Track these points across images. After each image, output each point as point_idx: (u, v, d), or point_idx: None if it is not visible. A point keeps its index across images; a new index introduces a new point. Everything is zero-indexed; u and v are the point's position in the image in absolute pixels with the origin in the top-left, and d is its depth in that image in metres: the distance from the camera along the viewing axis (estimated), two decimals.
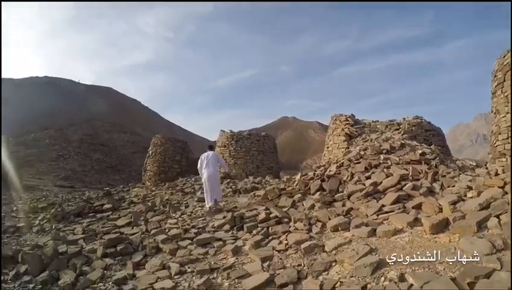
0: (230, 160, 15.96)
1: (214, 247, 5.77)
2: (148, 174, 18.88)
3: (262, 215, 6.76)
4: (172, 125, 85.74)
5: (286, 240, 5.62)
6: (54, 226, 9.11)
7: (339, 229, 5.95)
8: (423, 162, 8.32)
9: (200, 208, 8.66)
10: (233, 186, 11.34)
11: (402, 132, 12.49)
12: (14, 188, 22.70)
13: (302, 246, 5.18)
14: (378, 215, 6.15)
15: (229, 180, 12.96)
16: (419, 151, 9.02)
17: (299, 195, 7.91)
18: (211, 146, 10.19)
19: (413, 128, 13.09)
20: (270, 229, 6.22)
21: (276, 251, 5.28)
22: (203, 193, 9.39)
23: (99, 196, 14.55)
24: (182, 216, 8.19)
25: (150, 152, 19.37)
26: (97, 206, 11.18)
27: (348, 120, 13.11)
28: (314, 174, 9.15)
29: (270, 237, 5.89)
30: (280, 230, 6.04)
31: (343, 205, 6.95)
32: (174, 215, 8.43)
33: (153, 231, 7.01)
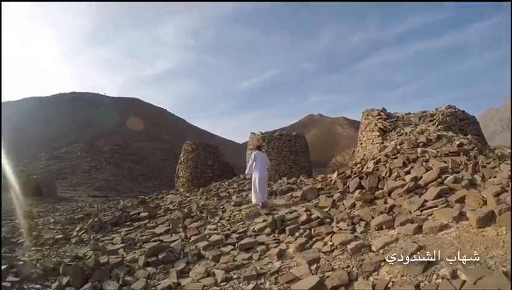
0: None
1: (258, 251, 5.67)
2: (181, 180, 18.99)
3: (303, 217, 6.62)
4: (199, 130, 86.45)
5: (331, 241, 5.47)
6: (92, 237, 9.20)
7: (383, 227, 5.76)
8: (462, 153, 8.00)
9: (238, 212, 8.56)
10: (268, 189, 11.20)
11: (436, 123, 12.09)
12: (49, 200, 23.18)
13: (349, 246, 5.03)
14: (421, 211, 5.93)
15: None
16: (457, 142, 8.69)
17: (338, 194, 7.73)
18: (260, 146, 10.85)
19: (448, 118, 12.64)
20: (313, 230, 6.09)
21: (322, 252, 5.13)
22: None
23: (134, 205, 14.58)
24: (221, 221, 8.11)
25: (182, 158, 19.47)
26: (133, 214, 11.25)
27: (380, 114, 12.80)
28: (352, 171, 8.94)
29: (314, 239, 5.76)
30: (323, 231, 5.89)
31: (385, 202, 6.73)
32: (212, 220, 8.37)
33: (193, 238, 6.97)
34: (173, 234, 8.05)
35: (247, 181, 14.54)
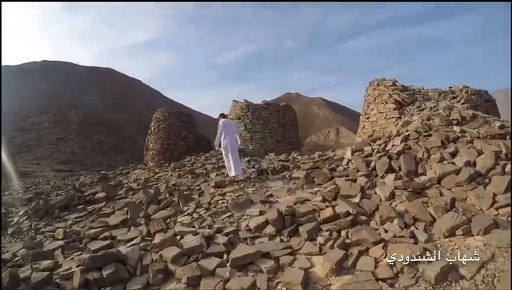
0: (246, 134, 13.46)
1: (263, 271, 3.46)
2: (150, 153, 16.52)
3: (326, 212, 4.41)
4: (176, 104, 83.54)
5: (385, 255, 3.31)
6: (33, 225, 7.27)
7: (457, 233, 3.68)
8: (507, 136, 6.08)
9: (220, 198, 6.29)
10: (256, 166, 8.97)
11: (462, 101, 10.09)
12: (5, 177, 20.70)
13: (423, 269, 2.87)
14: (497, 209, 4.09)
15: (248, 158, 10.56)
16: (497, 124, 6.74)
17: (363, 178, 5.57)
18: (224, 114, 9.31)
19: (473, 97, 10.67)
20: (346, 234, 3.92)
21: (381, 280, 2.96)
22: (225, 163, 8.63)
23: (93, 182, 12.32)
24: (198, 210, 5.85)
25: (152, 128, 16.93)
26: (88, 195, 9.04)
27: (395, 85, 10.66)
28: (373, 149, 6.81)
29: (353, 250, 3.56)
30: (367, 238, 3.70)
31: (441, 194, 4.64)
32: (186, 208, 6.12)
33: (158, 237, 4.73)
34: (131, 228, 5.79)
35: None
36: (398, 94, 10.14)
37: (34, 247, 5.54)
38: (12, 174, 20.97)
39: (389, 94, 10.37)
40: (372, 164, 6.07)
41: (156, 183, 9.09)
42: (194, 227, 4.95)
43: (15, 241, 6.41)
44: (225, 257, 3.79)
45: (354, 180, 5.60)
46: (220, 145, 8.61)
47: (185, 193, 7.09)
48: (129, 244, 5.01)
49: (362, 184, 5.29)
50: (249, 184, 7.12)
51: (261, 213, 4.95)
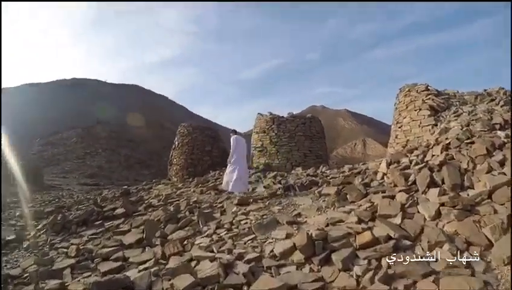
0: (272, 148, 12.92)
1: None
2: (174, 168, 16.17)
3: (364, 237, 3.82)
4: (200, 119, 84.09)
5: None
6: (49, 240, 7.02)
7: None
8: None
9: (243, 217, 5.76)
10: (282, 181, 8.42)
11: (502, 103, 9.28)
12: (25, 190, 20.82)
13: None
14: None
15: (274, 173, 10.03)
16: None
17: (403, 194, 4.94)
18: (235, 131, 9.20)
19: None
20: (388, 264, 3.30)
21: None
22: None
23: (115, 197, 12.07)
24: (218, 231, 5.33)
25: (176, 143, 16.61)
26: (108, 211, 8.71)
27: (428, 89, 9.95)
28: (410, 161, 6.16)
29: (398, 284, 2.97)
30: (414, 269, 3.09)
31: (495, 211, 3.98)
32: (205, 228, 5.62)
33: (172, 261, 4.24)
34: (146, 249, 5.34)
35: (253, 171, 11.81)
36: (433, 99, 9.42)
37: (44, 264, 5.32)
38: (37, 187, 21.13)
39: (422, 100, 9.66)
40: (412, 178, 5.43)
41: (177, 200, 8.67)
42: (212, 251, 4.44)
43: (28, 255, 6.21)
44: (245, 289, 3.25)
45: (393, 197, 4.98)
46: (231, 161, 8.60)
47: (206, 211, 6.62)
48: (141, 267, 4.60)
49: (402, 201, 4.66)
50: (274, 202, 6.58)
51: (288, 236, 4.39)
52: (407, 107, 10.25)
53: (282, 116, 13.49)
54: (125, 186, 17.11)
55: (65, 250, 6.07)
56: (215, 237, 5.06)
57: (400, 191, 5.09)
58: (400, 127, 10.29)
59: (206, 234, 5.29)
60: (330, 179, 8.02)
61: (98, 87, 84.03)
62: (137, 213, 8.09)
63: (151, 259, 4.75)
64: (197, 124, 18.02)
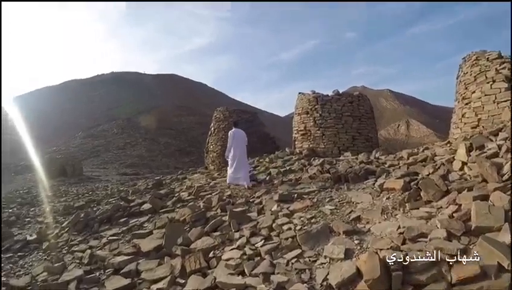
0: (316, 131, 11.49)
1: None
2: (211, 155, 15.18)
3: (467, 269, 2.44)
4: (241, 104, 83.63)
5: None
6: (69, 240, 6.50)
7: None
8: None
9: (286, 219, 4.50)
10: (331, 169, 7.08)
11: None
12: (71, 180, 20.69)
13: None
14: None
15: (321, 160, 8.66)
16: None
17: (501, 194, 3.51)
18: (236, 122, 9.42)
19: None
20: None
21: None
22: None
23: (147, 188, 11.22)
24: (253, 240, 4.12)
25: (212, 129, 15.58)
26: (135, 206, 7.77)
27: (502, 57, 8.22)
28: (499, 146, 4.71)
29: None
30: None
31: None
32: (237, 235, 4.43)
33: (191, 282, 3.11)
34: (165, 259, 4.27)
35: (296, 157, 10.53)
36: (509, 68, 7.72)
37: (54, 272, 4.85)
38: (76, 179, 20.92)
39: (496, 69, 7.96)
40: (506, 169, 4.00)
41: (210, 193, 7.55)
42: (243, 273, 3.25)
43: (45, 259, 5.77)
44: None
45: (485, 197, 3.58)
46: (229, 156, 8.56)
47: (240, 209, 5.43)
48: (154, 287, 3.51)
49: (505, 206, 3.25)
50: (324, 197, 5.28)
51: (348, 255, 3.11)
52: (475, 80, 8.57)
53: (327, 95, 11.98)
54: (161, 176, 16.42)
55: (80, 254, 5.45)
56: (248, 249, 3.85)
57: (495, 189, 3.67)
58: (467, 104, 8.65)
59: (237, 244, 4.09)
60: (388, 167, 6.64)
61: (136, 79, 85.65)
62: (164, 209, 7.09)
63: (166, 276, 3.70)
64: (233, 108, 16.86)
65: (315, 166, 7.81)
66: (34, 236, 7.00)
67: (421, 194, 4.31)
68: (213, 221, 5.08)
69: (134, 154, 36.62)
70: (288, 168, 8.56)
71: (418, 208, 4.07)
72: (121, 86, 77.25)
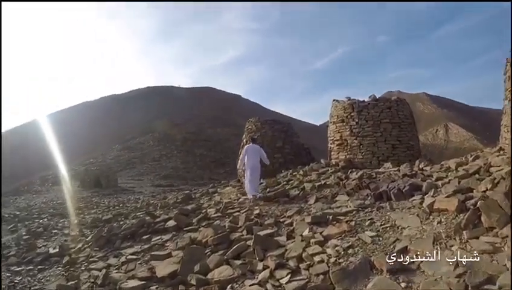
0: (353, 140, 10.68)
1: None
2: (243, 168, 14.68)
3: None
4: (276, 114, 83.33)
5: None
6: (90, 255, 6.37)
7: None
8: None
9: (318, 247, 3.82)
10: (370, 184, 6.35)
11: None
12: (106, 192, 20.75)
13: None
14: None
15: (360, 172, 7.86)
16: None
17: None
18: (254, 139, 9.92)
19: None
20: None
21: None
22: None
23: (176, 202, 10.85)
24: (277, 275, 3.49)
25: (245, 140, 15.09)
26: (160, 222, 7.39)
27: None
28: None
29: None
30: None
31: None
32: (260, 265, 3.83)
33: None
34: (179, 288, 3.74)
35: (332, 169, 9.83)
36: None
37: None
38: (110, 190, 20.96)
39: None
40: None
41: (238, 211, 7.00)
42: None
43: (63, 274, 5.61)
44: None
45: None
46: (242, 169, 9.09)
47: (267, 232, 4.83)
48: None
49: None
50: (363, 220, 4.58)
51: None
52: None
53: (363, 101, 11.15)
54: (193, 189, 16.11)
55: (97, 273, 5.24)
56: (270, 285, 3.25)
57: None
58: None
59: (259, 278, 3.48)
60: (436, 181, 5.87)
61: (171, 92, 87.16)
62: (189, 227, 6.61)
63: None
64: (266, 118, 16.30)
65: (353, 180, 7.09)
66: (57, 249, 6.84)
67: (482, 218, 3.57)
68: (236, 246, 4.50)
69: (169, 166, 36.71)
70: (323, 182, 7.88)
71: (478, 237, 3.35)
72: (156, 100, 78.70)
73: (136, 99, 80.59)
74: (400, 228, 4.05)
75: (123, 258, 5.62)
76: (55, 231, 9.61)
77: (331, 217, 4.84)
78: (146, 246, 6.03)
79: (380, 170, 8.60)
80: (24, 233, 9.32)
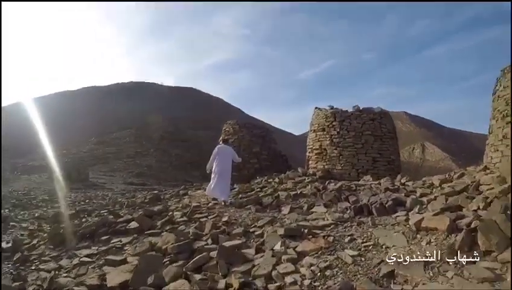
0: (333, 150, 10.30)
1: None
2: None
3: None
4: (256, 121, 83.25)
5: None
6: (43, 253, 5.90)
7: None
8: None
9: (291, 266, 3.26)
10: (350, 197, 5.91)
11: None
12: (75, 186, 19.85)
13: None
14: None
15: (338, 184, 7.41)
16: None
17: None
18: (226, 140, 9.80)
19: None
20: None
21: None
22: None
23: (144, 202, 10.26)
24: None
25: (220, 143, 14.56)
26: (122, 222, 6.79)
27: None
28: None
29: None
30: None
31: None
32: (222, 283, 3.30)
33: None
34: None
35: (309, 179, 9.38)
36: None
37: None
38: (79, 185, 20.10)
39: None
40: None
41: (206, 216, 6.47)
42: None
43: (11, 272, 5.12)
44: None
45: None
46: (211, 170, 8.58)
47: (234, 243, 4.31)
48: None
49: None
50: (343, 236, 4.08)
51: None
52: None
53: (346, 111, 10.78)
54: (163, 189, 15.49)
55: (45, 275, 4.76)
56: None
57: None
58: (508, 123, 7.43)
59: None
60: (420, 197, 5.51)
61: (154, 89, 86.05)
62: (151, 231, 6.05)
63: None
64: (244, 121, 15.82)
65: (331, 191, 6.64)
66: (10, 244, 6.34)
67: (478, 240, 3.15)
68: (198, 256, 3.95)
69: (143, 164, 35.78)
70: (299, 191, 7.41)
71: (474, 262, 2.92)
72: (139, 96, 77.47)
73: (118, 92, 79.14)
74: (384, 247, 3.59)
75: (76, 260, 5.11)
76: (13, 223, 9.00)
77: (306, 230, 4.33)
78: (103, 248, 5.46)
79: (359, 182, 8.20)
80: None
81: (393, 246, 3.54)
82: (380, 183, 7.30)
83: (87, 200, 13.58)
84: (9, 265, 5.44)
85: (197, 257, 3.97)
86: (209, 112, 75.16)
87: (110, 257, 4.88)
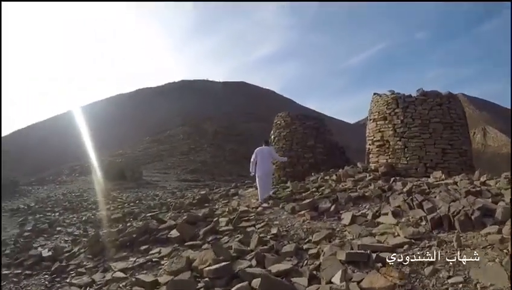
0: (397, 141, 9.08)
1: None
2: None
3: None
4: (308, 110, 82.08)
5: None
6: (80, 264, 5.56)
7: None
8: None
9: None
10: (424, 203, 4.86)
11: None
12: (129, 185, 20.07)
13: None
14: None
15: (408, 185, 6.22)
16: None
17: None
18: (267, 141, 9.49)
19: None
20: None
21: None
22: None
23: (192, 203, 9.79)
24: None
25: (272, 137, 13.73)
26: (164, 229, 6.32)
27: None
28: None
29: None
30: None
31: None
32: None
33: None
34: None
35: (371, 176, 8.36)
36: None
37: None
38: (133, 184, 20.21)
39: None
40: None
41: (253, 225, 5.73)
42: None
43: (45, 285, 4.86)
44: None
45: None
46: (254, 172, 8.53)
47: (283, 267, 3.51)
48: None
49: None
50: (421, 265, 3.11)
51: None
52: None
53: (410, 96, 9.49)
54: (217, 185, 15.13)
55: None
56: None
57: None
58: None
59: None
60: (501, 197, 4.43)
61: (205, 86, 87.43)
62: (191, 242, 5.45)
63: None
64: (297, 113, 14.85)
65: (399, 193, 5.64)
66: (50, 253, 6.12)
67: None
68: (237, 286, 3.21)
69: (197, 160, 36.00)
70: (361, 192, 6.46)
71: None
72: (190, 93, 78.85)
73: (170, 92, 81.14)
74: (479, 287, 2.62)
75: (109, 275, 4.66)
76: (60, 228, 8.91)
77: (374, 255, 3.41)
78: (140, 261, 5.05)
79: (430, 180, 7.06)
80: (30, 228, 8.76)
81: (491, 285, 2.56)
82: (456, 183, 6.16)
83: (136, 201, 13.54)
84: (46, 276, 5.21)
85: (235, 287, 3.23)
86: (260, 105, 74.94)
87: (141, 276, 4.25)
